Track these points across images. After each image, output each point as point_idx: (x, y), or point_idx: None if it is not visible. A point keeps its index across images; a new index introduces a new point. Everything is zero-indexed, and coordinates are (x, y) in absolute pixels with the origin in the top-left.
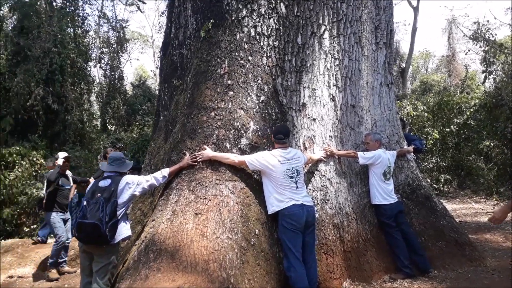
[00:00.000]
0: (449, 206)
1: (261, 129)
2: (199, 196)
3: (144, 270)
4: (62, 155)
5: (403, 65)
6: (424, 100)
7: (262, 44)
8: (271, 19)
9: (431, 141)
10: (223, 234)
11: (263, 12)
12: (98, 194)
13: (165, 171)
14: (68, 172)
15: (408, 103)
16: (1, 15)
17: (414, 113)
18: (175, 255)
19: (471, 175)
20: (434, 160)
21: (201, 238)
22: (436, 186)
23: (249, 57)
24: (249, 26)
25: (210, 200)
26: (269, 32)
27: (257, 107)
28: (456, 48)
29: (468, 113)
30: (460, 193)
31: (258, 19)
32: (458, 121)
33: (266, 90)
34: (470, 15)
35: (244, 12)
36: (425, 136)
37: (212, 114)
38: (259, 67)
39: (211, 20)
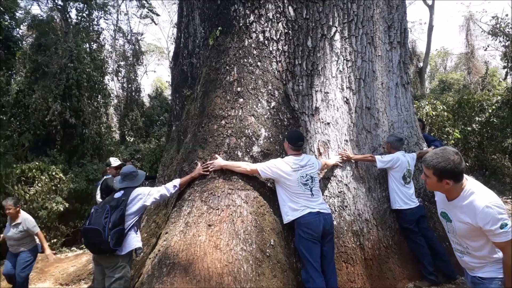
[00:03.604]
0: None
1: (273, 135)
2: (212, 207)
3: (157, 285)
4: (114, 161)
5: (421, 64)
6: (443, 99)
7: (271, 49)
8: (280, 23)
9: (452, 141)
10: (237, 246)
11: (271, 17)
12: (108, 204)
13: (176, 181)
14: None
15: (427, 103)
16: (20, 33)
17: (434, 113)
18: (188, 269)
19: (496, 175)
20: None
21: (214, 251)
22: None
23: (258, 63)
24: (257, 32)
25: (223, 211)
26: (278, 37)
27: (268, 113)
28: (475, 45)
29: (490, 111)
30: None
31: (266, 24)
32: (480, 119)
33: (276, 95)
34: (488, 10)
35: (251, 18)
36: (445, 136)
37: (223, 122)
38: (269, 73)
39: (219, 28)
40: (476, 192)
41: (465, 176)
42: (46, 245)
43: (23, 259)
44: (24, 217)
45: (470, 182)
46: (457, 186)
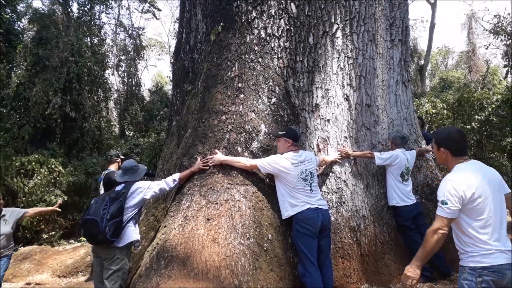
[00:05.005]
0: None
1: (273, 131)
2: (211, 201)
3: (155, 277)
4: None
5: (421, 62)
6: (443, 97)
7: (272, 45)
8: (282, 20)
9: None
10: (235, 240)
11: (273, 13)
12: (108, 196)
13: (176, 176)
14: None
15: (427, 100)
16: (21, 27)
17: (433, 111)
18: (186, 262)
19: None
20: None
21: (212, 244)
22: None
23: (260, 59)
24: (259, 28)
25: (221, 205)
26: (279, 33)
27: (269, 109)
28: (476, 43)
29: (490, 109)
30: None
31: (268, 20)
32: (479, 117)
33: (277, 92)
34: (490, 9)
35: (254, 14)
36: None
37: (223, 117)
38: (270, 69)
39: (221, 23)
40: (453, 171)
41: (472, 161)
42: (47, 208)
43: (7, 261)
44: (6, 208)
45: (464, 164)
46: (453, 161)
